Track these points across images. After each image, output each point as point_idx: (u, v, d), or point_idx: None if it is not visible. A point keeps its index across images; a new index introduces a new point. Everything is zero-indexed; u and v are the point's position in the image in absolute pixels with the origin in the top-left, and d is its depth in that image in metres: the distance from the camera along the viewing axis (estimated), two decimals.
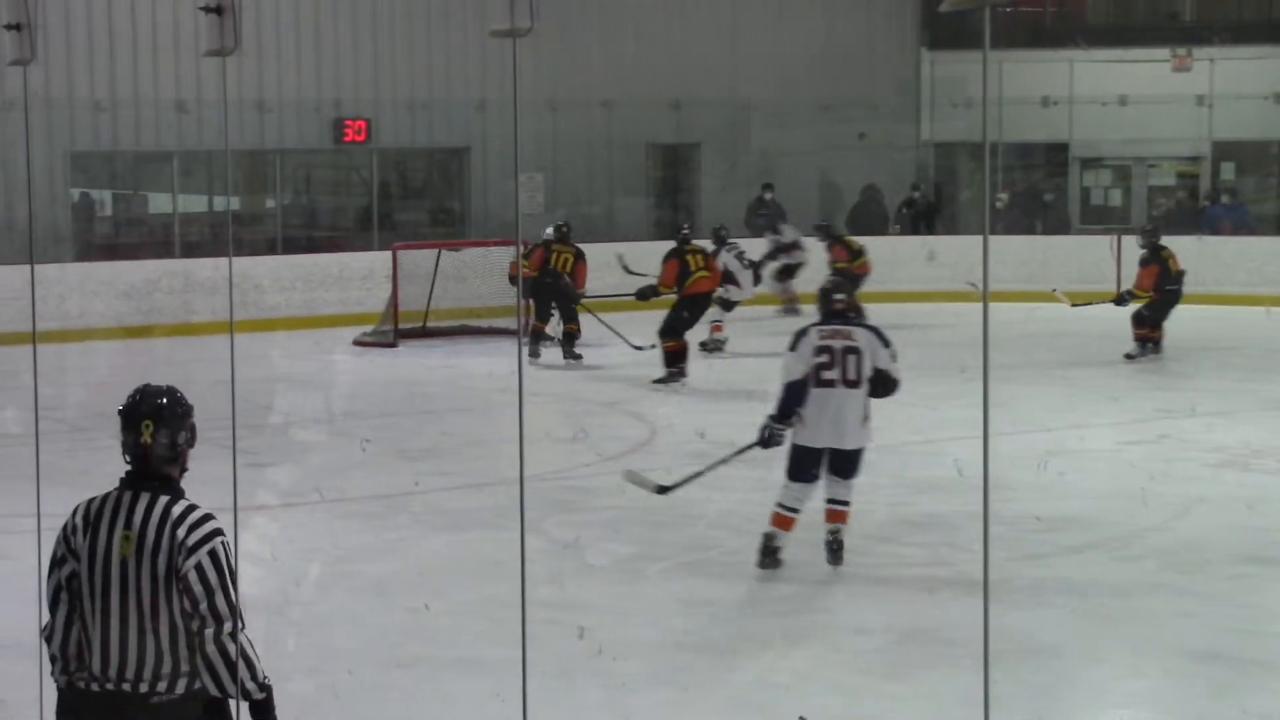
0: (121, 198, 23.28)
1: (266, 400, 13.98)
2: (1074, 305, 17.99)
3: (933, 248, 22.97)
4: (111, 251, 21.80)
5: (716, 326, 17.86)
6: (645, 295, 16.27)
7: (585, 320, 17.41)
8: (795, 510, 8.90)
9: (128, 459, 4.40)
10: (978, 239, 22.36)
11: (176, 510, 4.31)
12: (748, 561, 9.03)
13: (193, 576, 4.26)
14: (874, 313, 21.33)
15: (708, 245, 17.67)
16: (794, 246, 21.52)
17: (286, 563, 9.09)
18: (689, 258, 16.21)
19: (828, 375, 8.74)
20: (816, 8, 25.88)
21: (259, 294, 20.22)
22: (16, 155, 19.93)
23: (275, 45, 21.99)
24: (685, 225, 17.62)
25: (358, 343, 19.12)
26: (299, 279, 20.96)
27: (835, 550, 9.02)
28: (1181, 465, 11.86)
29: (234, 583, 4.31)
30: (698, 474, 9.71)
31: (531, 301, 17.49)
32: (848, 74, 25.55)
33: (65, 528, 4.42)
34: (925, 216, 25.35)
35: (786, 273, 21.65)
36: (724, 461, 9.61)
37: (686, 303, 15.99)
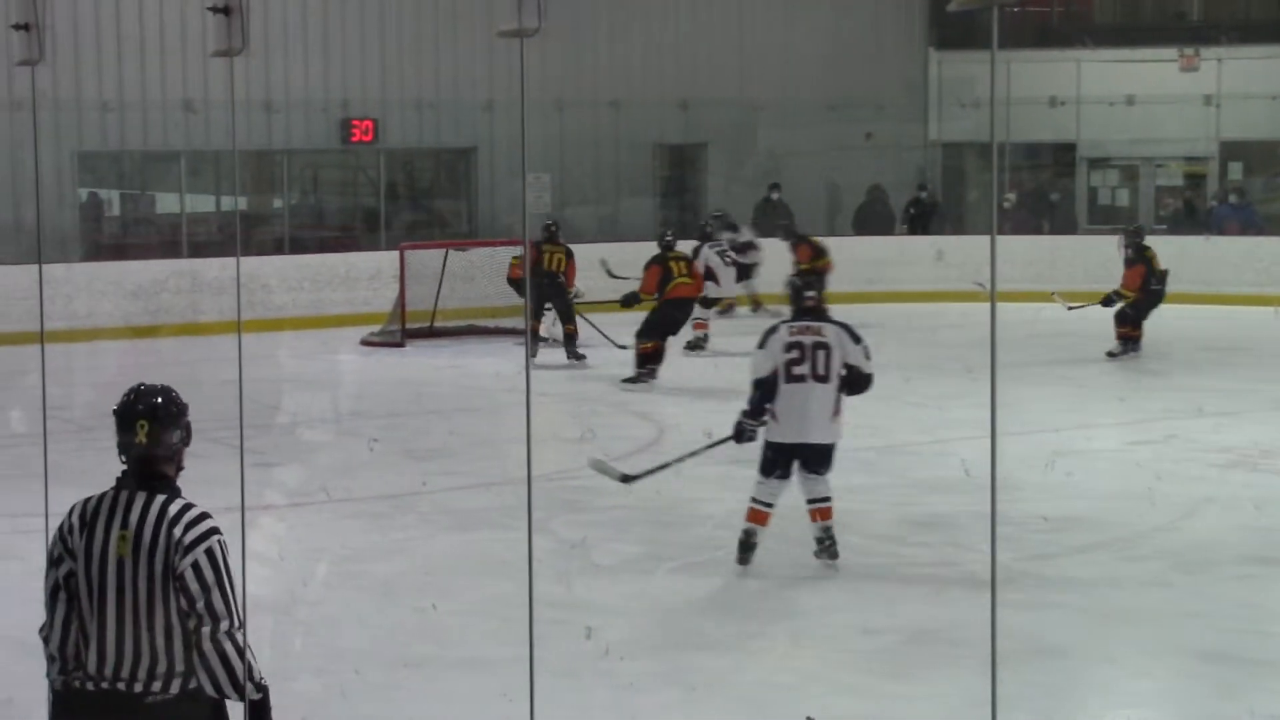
0: (129, 198, 23.30)
1: (274, 400, 13.99)
2: (1070, 308, 18.00)
3: (940, 248, 22.96)
4: (119, 251, 21.82)
5: (699, 324, 17.89)
6: (628, 302, 16.37)
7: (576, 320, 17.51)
8: (770, 505, 8.97)
9: (124, 459, 4.40)
10: (985, 239, 22.45)
11: (173, 509, 4.31)
12: (756, 562, 9.03)
13: (189, 575, 4.25)
14: (881, 313, 21.40)
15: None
16: (749, 246, 21.44)
17: (294, 562, 9.09)
18: (671, 264, 16.32)
19: (798, 370, 8.83)
20: (824, 7, 25.88)
21: (266, 294, 20.24)
22: (25, 155, 19.94)
23: (283, 45, 22.00)
24: (669, 232, 17.66)
25: (365, 343, 19.13)
26: (306, 279, 20.97)
27: (829, 547, 9.04)
28: (1189, 465, 11.85)
29: (231, 582, 4.30)
30: (664, 465, 9.91)
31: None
32: (855, 74, 25.54)
33: (62, 527, 4.42)
34: (925, 217, 25.30)
35: (744, 273, 21.61)
36: (693, 454, 9.76)
37: (667, 307, 16.08)
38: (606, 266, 18.78)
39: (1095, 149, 26.35)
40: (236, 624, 4.28)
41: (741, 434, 9.01)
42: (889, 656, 7.68)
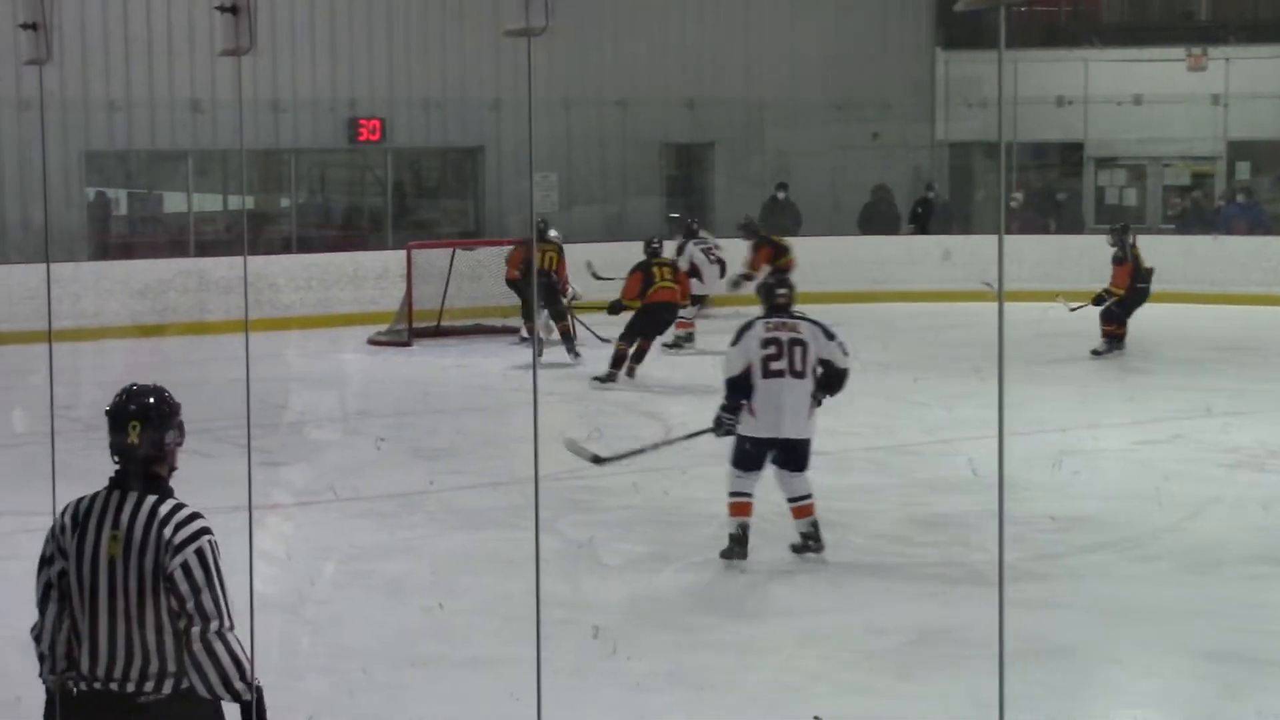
0: (136, 197, 23.31)
1: (281, 399, 14.00)
2: (1071, 309, 18.01)
3: (947, 247, 22.94)
4: (126, 250, 21.84)
5: (683, 323, 17.91)
6: (615, 309, 16.43)
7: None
8: (749, 495, 9.06)
9: (116, 459, 4.40)
10: (992, 238, 22.42)
11: (163, 509, 4.31)
12: (762, 561, 9.04)
13: (179, 575, 4.24)
14: (889, 312, 21.40)
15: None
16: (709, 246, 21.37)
17: (301, 561, 9.10)
18: (655, 269, 16.38)
19: (775, 366, 8.92)
20: (831, 7, 25.85)
21: (274, 293, 20.25)
22: (32, 155, 19.96)
23: (290, 45, 22.00)
24: (655, 240, 17.68)
25: (372, 342, 19.15)
26: (314, 278, 20.98)
27: (812, 539, 9.12)
28: (1196, 465, 11.84)
29: (222, 582, 4.28)
30: (639, 451, 10.19)
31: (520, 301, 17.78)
32: (862, 73, 25.52)
33: (54, 526, 4.43)
34: (926, 218, 25.26)
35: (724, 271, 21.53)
36: (668, 443, 10.03)
37: (648, 311, 16.14)
38: (592, 269, 18.99)
39: (1103, 149, 26.32)
40: (227, 624, 4.27)
41: (720, 425, 9.09)
42: (896, 656, 7.68)
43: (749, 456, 9.03)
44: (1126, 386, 15.62)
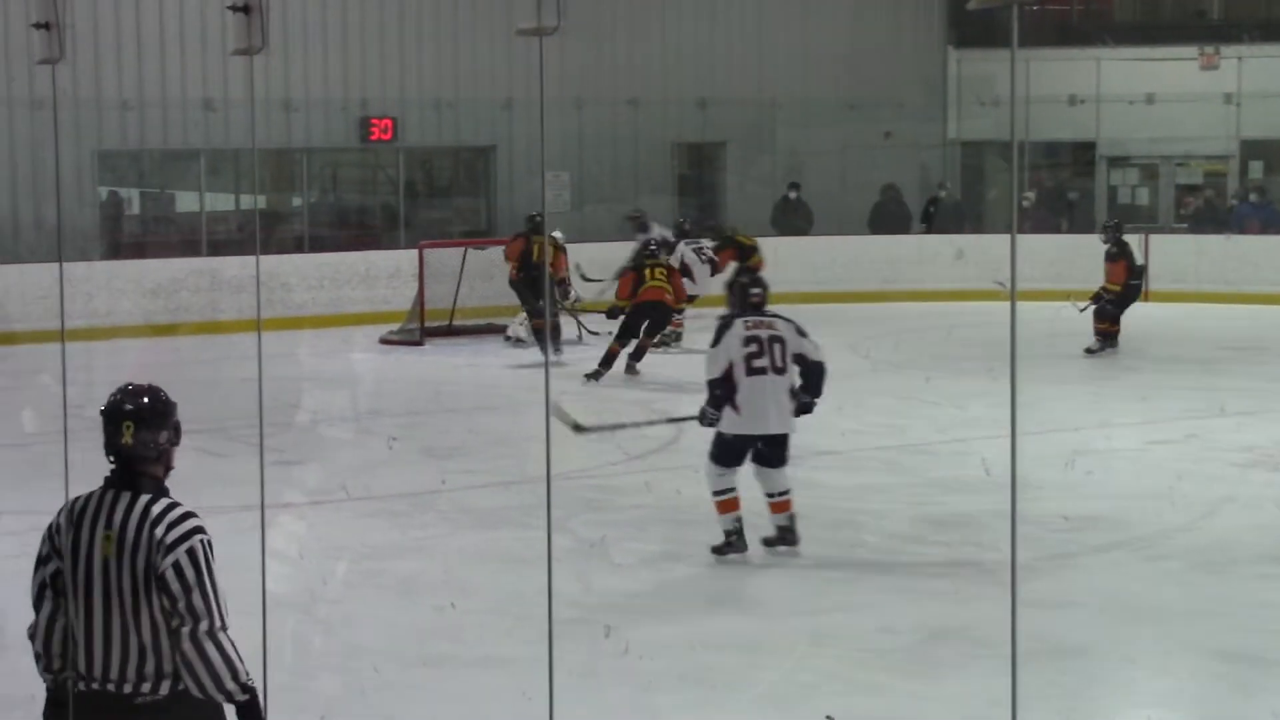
0: (149, 196, 23.34)
1: (293, 398, 14.01)
2: (1080, 309, 18.00)
3: (960, 246, 22.92)
4: (139, 250, 21.87)
5: (674, 322, 17.93)
6: (612, 314, 16.52)
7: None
8: (735, 489, 9.18)
9: (111, 459, 4.39)
10: (1004, 238, 22.42)
11: (156, 509, 4.30)
12: (773, 560, 9.04)
13: (170, 574, 4.22)
14: (901, 312, 21.40)
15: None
16: (665, 245, 21.37)
17: (313, 561, 9.10)
18: (646, 270, 16.47)
19: (758, 364, 9.09)
20: (843, 6, 25.85)
21: (286, 292, 20.27)
22: (45, 154, 20.00)
23: (302, 44, 22.03)
24: (653, 243, 17.70)
25: (384, 341, 19.16)
26: (326, 277, 21.00)
27: (788, 533, 9.23)
28: (1209, 465, 11.82)
29: (214, 582, 4.26)
30: (620, 425, 10.51)
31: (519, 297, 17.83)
32: (874, 72, 25.49)
33: (50, 526, 4.43)
34: (935, 216, 25.21)
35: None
36: (651, 423, 10.28)
37: (637, 309, 16.26)
38: (580, 270, 19.14)
39: (1115, 148, 26.28)
40: (219, 624, 4.24)
41: (704, 417, 9.26)
42: (908, 655, 7.67)
43: (732, 452, 9.18)
44: (1139, 386, 15.60)
